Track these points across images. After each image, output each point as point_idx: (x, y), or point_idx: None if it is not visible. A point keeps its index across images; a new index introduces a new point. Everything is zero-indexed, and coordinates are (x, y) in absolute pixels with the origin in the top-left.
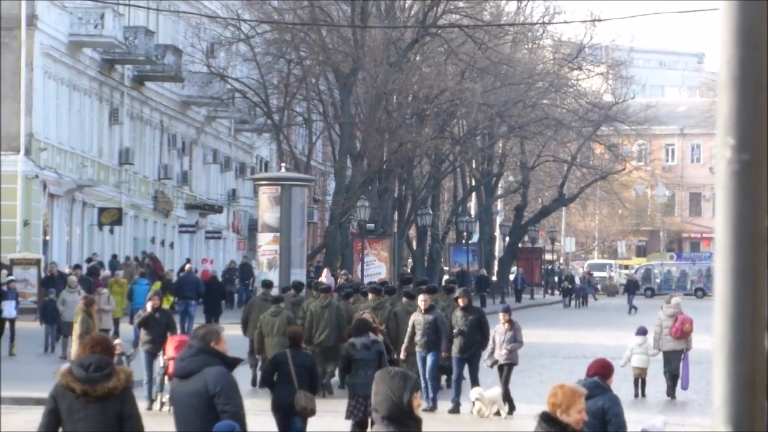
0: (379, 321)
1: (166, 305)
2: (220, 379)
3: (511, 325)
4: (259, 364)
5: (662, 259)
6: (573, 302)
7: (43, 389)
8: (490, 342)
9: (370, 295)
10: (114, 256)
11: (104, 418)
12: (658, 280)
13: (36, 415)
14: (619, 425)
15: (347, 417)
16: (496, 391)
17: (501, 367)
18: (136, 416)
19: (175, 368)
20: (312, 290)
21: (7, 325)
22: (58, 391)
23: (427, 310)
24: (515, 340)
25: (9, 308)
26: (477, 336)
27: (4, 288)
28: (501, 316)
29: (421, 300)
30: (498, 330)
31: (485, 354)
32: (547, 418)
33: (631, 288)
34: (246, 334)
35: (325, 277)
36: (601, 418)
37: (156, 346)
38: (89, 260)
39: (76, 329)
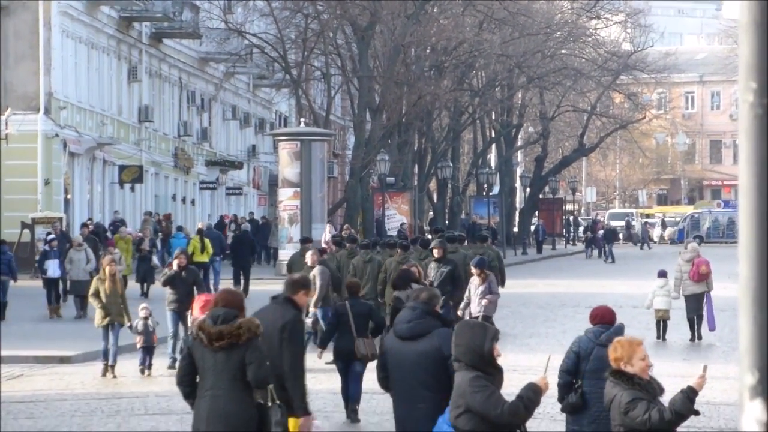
0: None
1: (205, 258)
2: (450, 341)
3: (485, 277)
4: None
5: (709, 207)
6: (594, 252)
7: (64, 348)
8: (466, 295)
9: (398, 250)
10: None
11: (229, 365)
12: (705, 228)
13: (60, 374)
14: None
15: None
16: None
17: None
18: (258, 363)
19: (399, 330)
20: (348, 244)
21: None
22: (193, 342)
23: (441, 260)
24: (490, 292)
25: (53, 268)
26: (447, 287)
27: (46, 247)
28: (473, 269)
29: (435, 250)
30: (473, 282)
31: (461, 306)
32: (614, 374)
33: (609, 236)
34: None
35: (329, 233)
36: None
37: (182, 305)
38: (90, 220)
39: (107, 287)
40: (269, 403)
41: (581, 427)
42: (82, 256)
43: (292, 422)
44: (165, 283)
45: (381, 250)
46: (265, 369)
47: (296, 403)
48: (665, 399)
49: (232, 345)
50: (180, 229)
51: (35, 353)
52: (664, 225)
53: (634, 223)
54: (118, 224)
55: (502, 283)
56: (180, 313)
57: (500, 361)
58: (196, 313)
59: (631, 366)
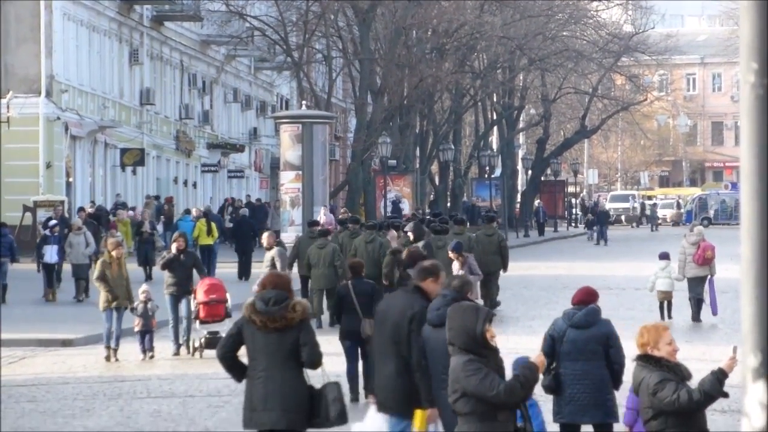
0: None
1: (210, 241)
2: None
3: (463, 260)
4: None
5: (717, 189)
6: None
7: (66, 331)
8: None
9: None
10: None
11: (282, 347)
12: (713, 210)
13: (62, 357)
14: (619, 347)
15: None
16: None
17: None
18: (312, 344)
19: (430, 317)
20: (350, 225)
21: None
22: (243, 322)
23: (415, 242)
24: (471, 273)
25: (51, 253)
26: None
27: (47, 232)
28: (451, 254)
29: (410, 233)
30: (453, 267)
31: None
32: (642, 358)
33: (602, 218)
34: (300, 271)
35: (323, 215)
36: (605, 343)
37: (180, 288)
38: (92, 203)
39: (113, 271)
40: (326, 381)
41: (560, 408)
42: (81, 239)
43: (418, 414)
44: (163, 267)
45: (385, 232)
46: (318, 350)
47: (423, 395)
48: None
49: (285, 327)
50: (188, 212)
51: (37, 336)
52: (678, 206)
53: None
54: (119, 207)
55: (504, 267)
56: (178, 297)
57: (500, 343)
58: (200, 297)
59: (657, 351)
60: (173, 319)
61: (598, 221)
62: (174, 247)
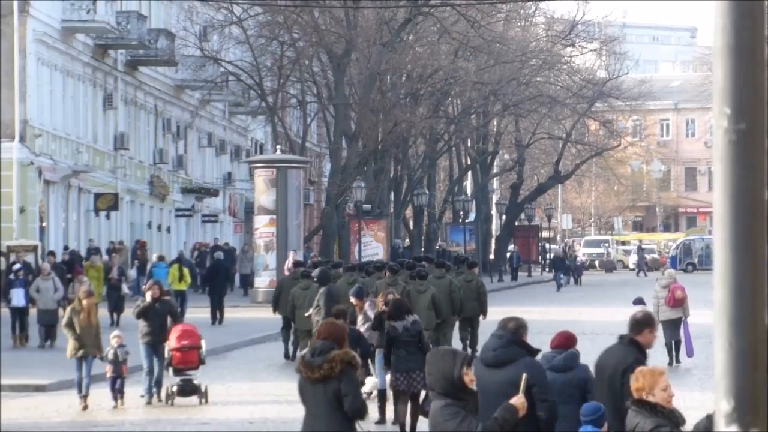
0: None
1: (183, 287)
2: (537, 370)
3: (361, 307)
4: (291, 338)
5: (701, 235)
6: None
7: (38, 377)
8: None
9: (386, 273)
10: (89, 246)
11: (325, 397)
12: (698, 256)
13: (35, 402)
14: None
15: (391, 387)
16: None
17: None
18: (354, 394)
19: (485, 357)
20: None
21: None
22: (299, 374)
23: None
24: (366, 321)
25: (18, 296)
26: None
27: (11, 276)
28: (352, 299)
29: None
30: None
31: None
32: (636, 403)
33: (558, 264)
34: (277, 313)
35: (291, 259)
36: (583, 388)
37: (156, 337)
38: (66, 248)
39: (82, 319)
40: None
41: None
42: (50, 284)
43: None
44: (138, 315)
45: (367, 275)
46: (360, 400)
47: None
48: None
49: (326, 377)
50: (161, 258)
51: (9, 382)
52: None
53: (610, 250)
54: (92, 252)
55: (483, 313)
56: (154, 346)
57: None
58: (173, 344)
59: (653, 396)
60: (147, 367)
61: (555, 267)
62: (148, 295)
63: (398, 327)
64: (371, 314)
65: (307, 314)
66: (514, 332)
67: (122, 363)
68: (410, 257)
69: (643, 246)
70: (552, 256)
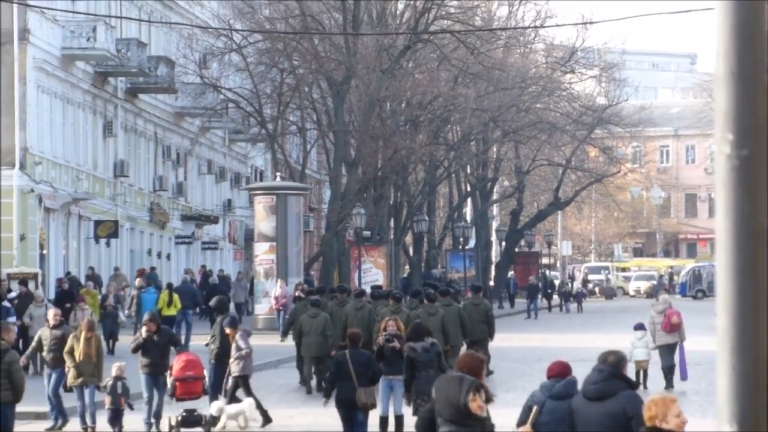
0: None
1: (173, 312)
2: (636, 403)
3: (233, 336)
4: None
5: (711, 261)
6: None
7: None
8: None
9: (390, 300)
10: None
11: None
12: (707, 282)
13: (37, 430)
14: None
15: (413, 413)
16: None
17: (235, 380)
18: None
19: (586, 390)
20: (338, 294)
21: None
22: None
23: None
24: (238, 349)
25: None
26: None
27: (6, 303)
28: (227, 329)
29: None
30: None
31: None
32: (651, 431)
33: (532, 292)
34: (294, 339)
35: (279, 288)
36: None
37: (156, 368)
38: (68, 274)
39: (80, 350)
40: None
41: None
42: (43, 311)
43: None
44: (134, 351)
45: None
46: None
47: None
48: None
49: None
50: (149, 283)
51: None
52: (671, 277)
53: (610, 276)
54: (90, 280)
55: (491, 335)
56: (154, 376)
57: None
58: (177, 373)
59: (666, 423)
60: (147, 396)
61: (529, 295)
62: (144, 331)
63: (417, 348)
64: (242, 344)
65: (205, 344)
66: (614, 366)
67: (121, 395)
68: (423, 284)
69: (665, 273)
70: (529, 284)
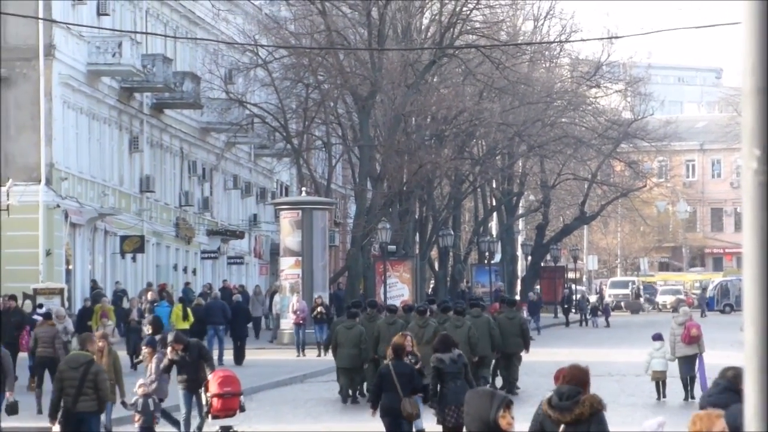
0: (425, 339)
1: (186, 325)
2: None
3: (151, 355)
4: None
5: (738, 275)
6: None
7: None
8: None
9: (417, 315)
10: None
11: None
12: (735, 296)
13: None
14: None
15: (438, 422)
16: None
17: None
18: None
19: (702, 403)
20: (368, 309)
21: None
22: (543, 417)
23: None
24: (157, 369)
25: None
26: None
27: (37, 317)
28: (144, 348)
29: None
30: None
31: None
32: None
33: (533, 308)
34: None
35: (296, 302)
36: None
37: (194, 382)
38: (93, 288)
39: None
40: None
41: None
42: (61, 328)
43: None
44: (164, 371)
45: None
46: None
47: None
48: None
49: (576, 421)
50: (163, 297)
51: (26, 425)
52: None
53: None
54: (119, 294)
55: (526, 348)
56: (193, 391)
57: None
58: (214, 389)
59: None
60: (186, 412)
61: (530, 311)
62: (170, 353)
63: (445, 359)
64: (153, 369)
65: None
66: (731, 380)
67: (153, 412)
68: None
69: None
70: (529, 300)
